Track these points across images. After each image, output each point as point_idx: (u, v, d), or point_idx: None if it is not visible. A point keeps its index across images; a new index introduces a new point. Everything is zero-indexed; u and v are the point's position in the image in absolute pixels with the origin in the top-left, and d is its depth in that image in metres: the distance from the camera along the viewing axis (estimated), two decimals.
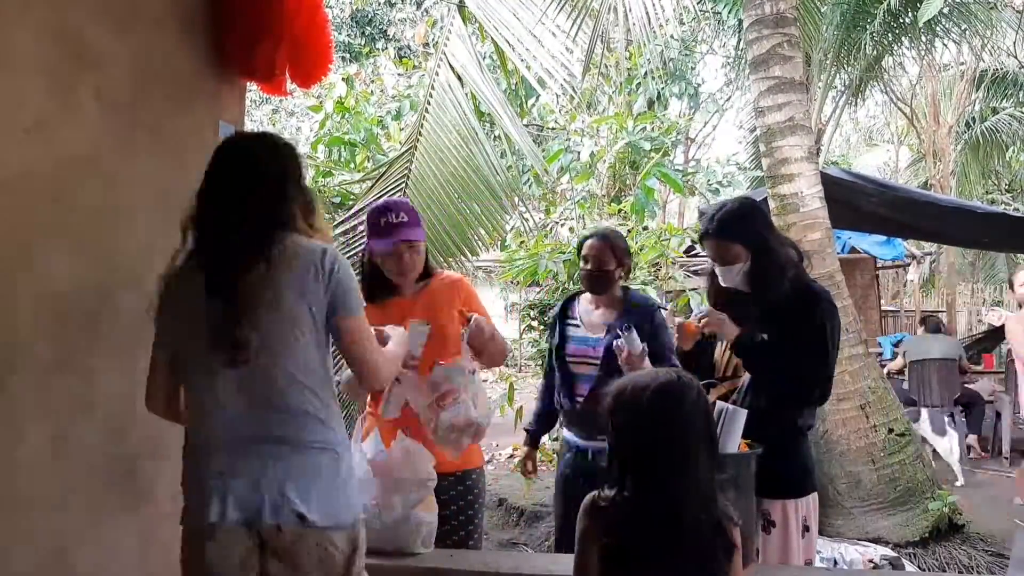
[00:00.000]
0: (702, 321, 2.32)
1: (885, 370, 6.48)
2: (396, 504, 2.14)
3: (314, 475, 1.68)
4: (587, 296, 2.82)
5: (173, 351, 1.75)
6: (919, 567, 4.18)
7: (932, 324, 7.93)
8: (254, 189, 1.71)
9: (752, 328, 2.30)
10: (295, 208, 1.75)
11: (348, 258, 4.53)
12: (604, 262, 2.71)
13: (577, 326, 2.79)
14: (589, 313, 2.79)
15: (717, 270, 2.39)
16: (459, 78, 4.84)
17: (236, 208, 1.70)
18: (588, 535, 1.56)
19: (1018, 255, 14.99)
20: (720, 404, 2.13)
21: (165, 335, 1.76)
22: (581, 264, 2.79)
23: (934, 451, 5.97)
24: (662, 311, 2.86)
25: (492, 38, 4.91)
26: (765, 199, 4.99)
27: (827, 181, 5.22)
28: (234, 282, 1.65)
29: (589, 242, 2.77)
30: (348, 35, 13.24)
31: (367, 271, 2.50)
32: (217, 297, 1.65)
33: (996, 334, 10.51)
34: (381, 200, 2.56)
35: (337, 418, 1.76)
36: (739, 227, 2.31)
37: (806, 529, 2.27)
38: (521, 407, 5.40)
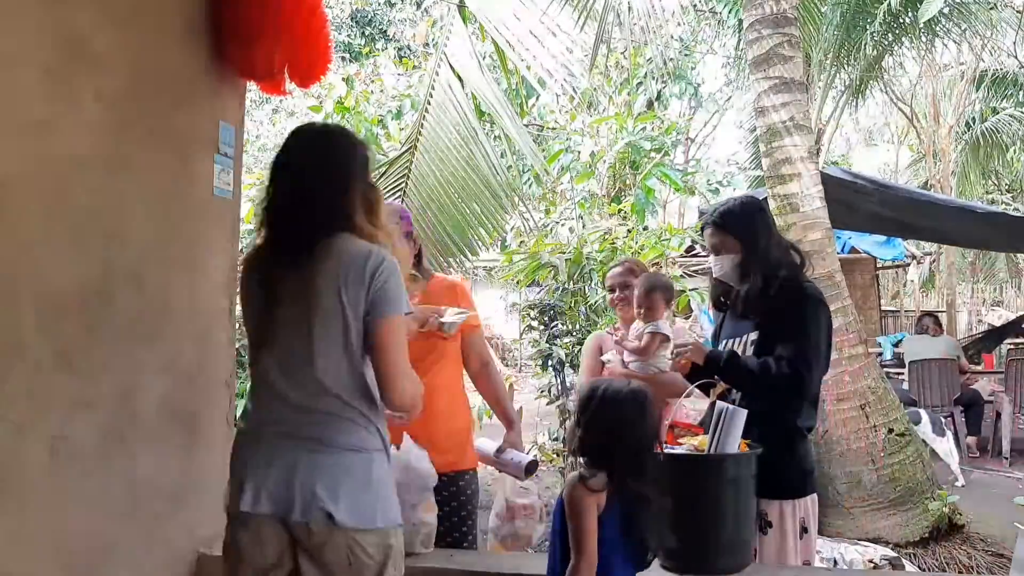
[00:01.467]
0: (678, 357, 2.37)
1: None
2: None
3: (344, 475, 1.68)
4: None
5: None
6: (919, 567, 4.17)
7: (921, 326, 7.96)
8: (316, 182, 1.72)
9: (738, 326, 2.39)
10: (356, 205, 1.74)
11: None
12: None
13: None
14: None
15: (711, 259, 2.48)
16: (459, 78, 4.84)
17: (298, 201, 1.71)
18: (589, 502, 1.75)
19: (1018, 255, 15.00)
20: (720, 404, 2.13)
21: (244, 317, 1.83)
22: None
23: (933, 451, 5.97)
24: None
25: (492, 38, 4.91)
26: (765, 199, 4.99)
27: (827, 181, 5.22)
28: (278, 277, 1.69)
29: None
30: (348, 35, 13.23)
31: None
32: (263, 289, 1.71)
33: (996, 334, 10.52)
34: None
35: (375, 419, 1.74)
36: (737, 220, 2.39)
37: (804, 530, 2.26)
38: (521, 408, 5.40)
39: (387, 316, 1.68)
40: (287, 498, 1.65)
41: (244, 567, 1.70)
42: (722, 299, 2.54)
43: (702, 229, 2.51)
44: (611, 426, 1.78)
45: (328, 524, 1.65)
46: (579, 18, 5.19)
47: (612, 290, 3.01)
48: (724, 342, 2.48)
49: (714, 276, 2.48)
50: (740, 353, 2.36)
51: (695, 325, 6.20)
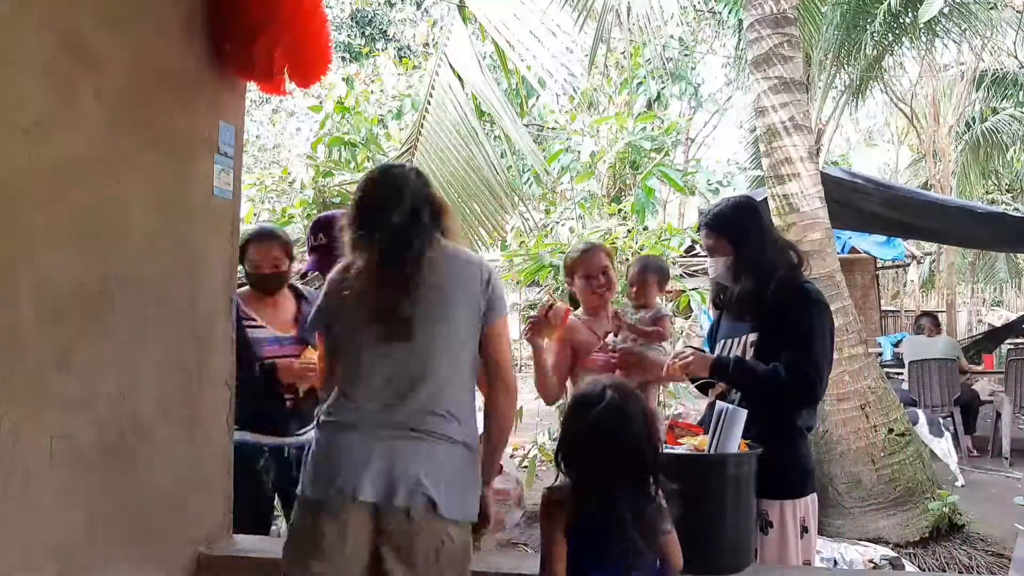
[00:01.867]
0: (679, 366, 2.37)
1: None
2: None
3: (446, 466, 1.74)
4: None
5: (335, 333, 1.91)
6: (919, 567, 4.17)
7: (917, 325, 7.96)
8: (414, 206, 1.86)
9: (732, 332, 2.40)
10: (444, 220, 1.92)
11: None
12: None
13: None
14: None
15: (708, 260, 2.49)
16: (459, 78, 4.84)
17: (404, 219, 1.84)
18: (551, 511, 1.72)
19: (1018, 255, 15.00)
20: (720, 404, 2.13)
21: (330, 319, 1.92)
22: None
23: (932, 452, 5.97)
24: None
25: (492, 38, 4.91)
26: (765, 199, 4.99)
27: (827, 181, 5.22)
28: (409, 272, 1.77)
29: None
30: (348, 35, 13.24)
31: None
32: (389, 283, 1.77)
33: (996, 334, 10.53)
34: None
35: (473, 413, 1.85)
36: (730, 221, 2.40)
37: (804, 530, 2.26)
38: (521, 408, 5.39)
39: (500, 315, 1.90)
40: (389, 484, 1.68)
41: (318, 557, 1.70)
42: (719, 298, 2.56)
43: (699, 230, 2.53)
44: (573, 433, 1.75)
45: (428, 512, 1.69)
46: (579, 18, 5.19)
47: (591, 276, 2.85)
48: (721, 342, 2.48)
49: (710, 277, 2.51)
50: (741, 355, 2.35)
51: (695, 325, 6.20)
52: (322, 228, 2.80)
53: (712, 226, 2.42)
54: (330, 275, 1.95)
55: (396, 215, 1.83)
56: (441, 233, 1.88)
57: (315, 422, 1.91)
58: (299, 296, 3.03)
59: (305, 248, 3.09)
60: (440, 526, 1.71)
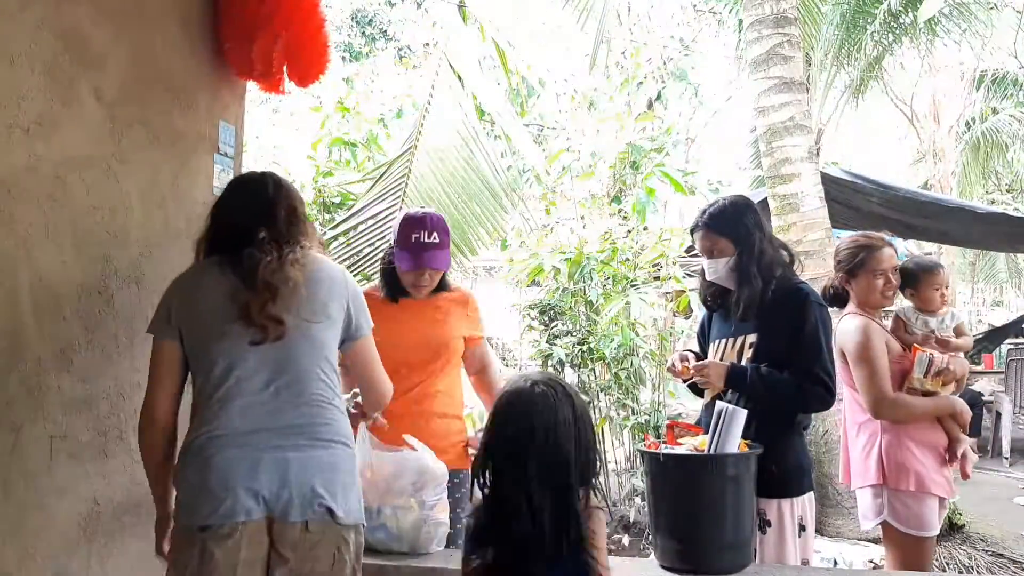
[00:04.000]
0: (693, 373, 2.34)
1: None
2: (413, 505, 2.14)
3: (337, 469, 1.67)
4: None
5: (188, 344, 1.73)
6: None
7: None
8: (271, 212, 1.80)
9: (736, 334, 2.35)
10: (307, 229, 1.85)
11: (347, 257, 4.55)
12: None
13: None
14: None
15: (704, 263, 2.42)
16: (459, 78, 4.84)
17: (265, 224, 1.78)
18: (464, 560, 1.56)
19: (1018, 255, 14.99)
20: (720, 404, 2.13)
21: (181, 326, 1.74)
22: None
23: None
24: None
25: (492, 38, 4.91)
26: (765, 199, 4.99)
27: (827, 181, 5.22)
28: (272, 270, 1.69)
29: None
30: (348, 35, 13.23)
31: (387, 270, 2.54)
32: (253, 283, 1.67)
33: (996, 334, 10.52)
34: (419, 211, 2.50)
35: (344, 412, 1.78)
36: (728, 222, 2.34)
37: (802, 529, 2.26)
38: None
39: (364, 334, 1.87)
40: (282, 497, 1.59)
41: None
42: (709, 298, 2.50)
43: (692, 231, 2.44)
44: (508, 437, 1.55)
45: (326, 521, 1.62)
46: (579, 18, 5.19)
47: (884, 276, 2.61)
48: (715, 342, 2.46)
49: (707, 279, 2.43)
50: (738, 355, 2.35)
51: (695, 325, 6.19)
52: None
53: (712, 226, 2.35)
54: (178, 280, 1.83)
55: (254, 221, 1.75)
56: (299, 242, 1.79)
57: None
58: None
59: None
60: (336, 533, 1.64)
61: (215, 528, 1.57)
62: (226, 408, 1.66)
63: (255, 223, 1.76)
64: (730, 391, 2.32)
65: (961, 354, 2.68)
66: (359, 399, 2.08)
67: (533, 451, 1.48)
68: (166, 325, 1.74)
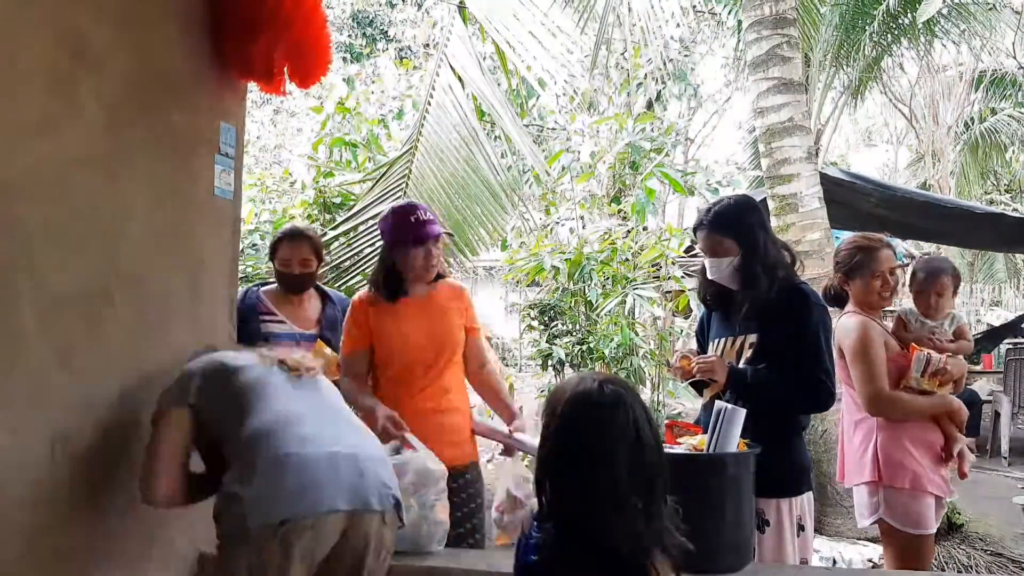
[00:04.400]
0: (696, 367, 2.33)
1: None
2: (413, 504, 2.15)
3: (386, 462, 1.81)
4: None
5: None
6: None
7: None
8: None
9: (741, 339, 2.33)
10: None
11: (347, 257, 4.54)
12: None
13: None
14: None
15: (706, 262, 2.41)
16: (460, 79, 4.84)
17: None
18: None
19: (1017, 255, 14.99)
20: (719, 404, 2.13)
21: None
22: None
23: None
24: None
25: (492, 39, 4.91)
26: (765, 199, 4.99)
27: (827, 181, 5.22)
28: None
29: None
30: (349, 35, 13.23)
31: (384, 271, 2.57)
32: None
33: (995, 334, 10.52)
34: (403, 202, 2.70)
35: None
36: (733, 222, 2.33)
37: (801, 528, 2.26)
38: (521, 407, 5.39)
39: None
40: (362, 489, 1.66)
41: None
42: (709, 298, 2.50)
43: (695, 231, 2.41)
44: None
45: (395, 513, 1.72)
46: (579, 19, 5.20)
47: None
48: (714, 341, 2.46)
49: (708, 278, 2.41)
50: (738, 354, 2.35)
51: (695, 325, 6.19)
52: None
53: (716, 226, 2.32)
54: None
55: None
56: None
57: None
58: (324, 296, 3.08)
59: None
60: (394, 525, 1.76)
61: (296, 521, 1.59)
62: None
63: None
64: (729, 391, 2.33)
65: (960, 355, 2.68)
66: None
67: (622, 451, 1.39)
68: None
